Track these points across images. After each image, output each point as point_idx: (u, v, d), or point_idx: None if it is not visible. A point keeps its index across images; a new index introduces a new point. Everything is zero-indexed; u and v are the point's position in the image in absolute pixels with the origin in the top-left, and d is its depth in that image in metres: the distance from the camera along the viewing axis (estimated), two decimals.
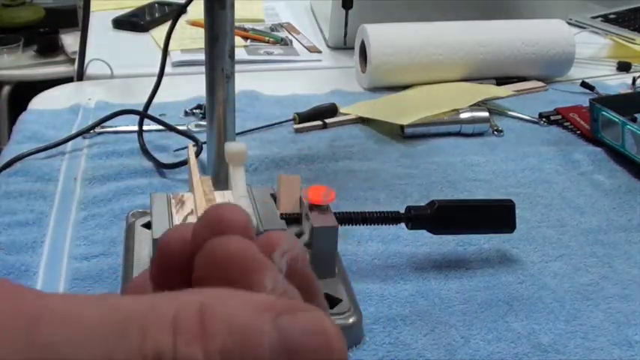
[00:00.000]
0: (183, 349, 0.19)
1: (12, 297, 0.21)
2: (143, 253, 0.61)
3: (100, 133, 0.88)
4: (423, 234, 0.65)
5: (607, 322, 0.60)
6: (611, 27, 1.34)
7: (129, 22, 1.29)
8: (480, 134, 0.92)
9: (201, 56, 0.69)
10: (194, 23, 1.26)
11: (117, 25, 1.29)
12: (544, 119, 0.97)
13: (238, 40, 1.17)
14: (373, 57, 1.02)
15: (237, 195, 0.56)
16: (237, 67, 0.69)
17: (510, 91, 1.03)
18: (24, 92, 1.26)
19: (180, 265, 0.25)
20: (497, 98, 1.01)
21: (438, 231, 0.65)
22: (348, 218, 0.62)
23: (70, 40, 1.93)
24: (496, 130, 0.94)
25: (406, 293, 0.62)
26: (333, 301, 0.57)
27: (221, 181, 0.69)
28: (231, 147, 0.56)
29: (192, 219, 0.55)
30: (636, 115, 0.94)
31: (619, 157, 0.86)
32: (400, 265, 0.65)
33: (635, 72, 1.14)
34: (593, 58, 1.22)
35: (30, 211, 0.72)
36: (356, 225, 0.62)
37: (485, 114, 0.93)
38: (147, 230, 0.64)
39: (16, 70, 1.92)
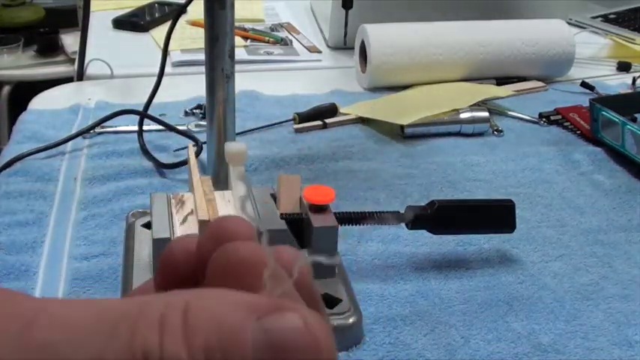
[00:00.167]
0: (168, 347, 0.20)
1: (8, 302, 0.21)
2: (143, 253, 0.61)
3: (100, 133, 0.88)
4: (423, 234, 0.65)
5: (607, 322, 0.60)
6: (611, 27, 1.34)
7: (129, 22, 1.29)
8: (480, 134, 0.92)
9: (201, 56, 0.69)
10: (194, 23, 1.26)
11: (117, 25, 1.29)
12: (544, 119, 0.97)
13: (238, 40, 1.17)
14: (373, 57, 1.02)
15: (237, 195, 0.56)
16: (237, 67, 0.69)
17: (510, 91, 1.03)
18: (24, 92, 1.26)
19: (183, 276, 0.26)
20: (497, 98, 1.01)
21: (438, 231, 0.65)
22: (348, 218, 0.62)
23: (70, 40, 1.93)
24: (496, 130, 0.94)
25: (406, 293, 0.62)
26: (333, 301, 0.57)
27: (221, 181, 0.69)
28: (231, 147, 0.56)
29: (192, 219, 0.55)
30: (636, 115, 0.94)
31: (619, 157, 0.86)
32: (400, 265, 0.65)
33: (635, 72, 1.14)
34: (593, 58, 1.22)
35: (30, 211, 0.72)
36: (356, 225, 0.62)
37: (485, 114, 0.93)
38: (147, 230, 0.64)
39: (16, 70, 1.92)
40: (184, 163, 0.78)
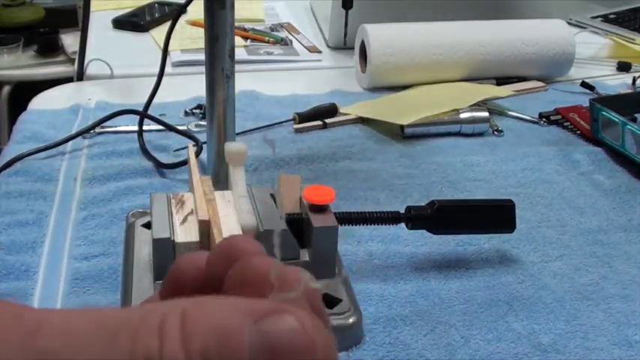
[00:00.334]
0: (168, 352, 0.20)
1: (9, 313, 0.22)
2: (143, 253, 0.61)
3: (100, 133, 0.88)
4: (423, 234, 0.65)
5: (607, 322, 0.60)
6: (611, 27, 1.34)
7: (129, 22, 1.29)
8: (480, 134, 0.92)
9: (201, 56, 0.69)
10: (194, 23, 1.26)
11: (117, 25, 1.29)
12: (544, 119, 0.97)
13: (238, 40, 1.17)
14: (373, 57, 1.02)
15: (237, 195, 0.56)
16: (237, 67, 0.69)
17: (510, 91, 1.03)
18: (24, 92, 1.26)
19: (191, 292, 0.26)
20: (497, 98, 1.01)
21: (438, 231, 0.65)
22: (348, 218, 0.62)
23: (70, 40, 1.93)
24: (496, 130, 0.94)
25: (406, 293, 0.62)
26: (333, 301, 0.57)
27: (221, 181, 0.69)
28: (231, 147, 0.56)
29: (193, 219, 0.55)
30: (636, 115, 0.94)
31: (619, 157, 0.86)
32: (400, 265, 0.65)
33: (635, 72, 1.14)
34: (593, 58, 1.22)
35: (30, 211, 0.72)
36: (356, 225, 0.62)
37: (485, 114, 0.93)
38: (147, 230, 0.64)
39: (16, 70, 1.92)
40: (184, 163, 0.78)
